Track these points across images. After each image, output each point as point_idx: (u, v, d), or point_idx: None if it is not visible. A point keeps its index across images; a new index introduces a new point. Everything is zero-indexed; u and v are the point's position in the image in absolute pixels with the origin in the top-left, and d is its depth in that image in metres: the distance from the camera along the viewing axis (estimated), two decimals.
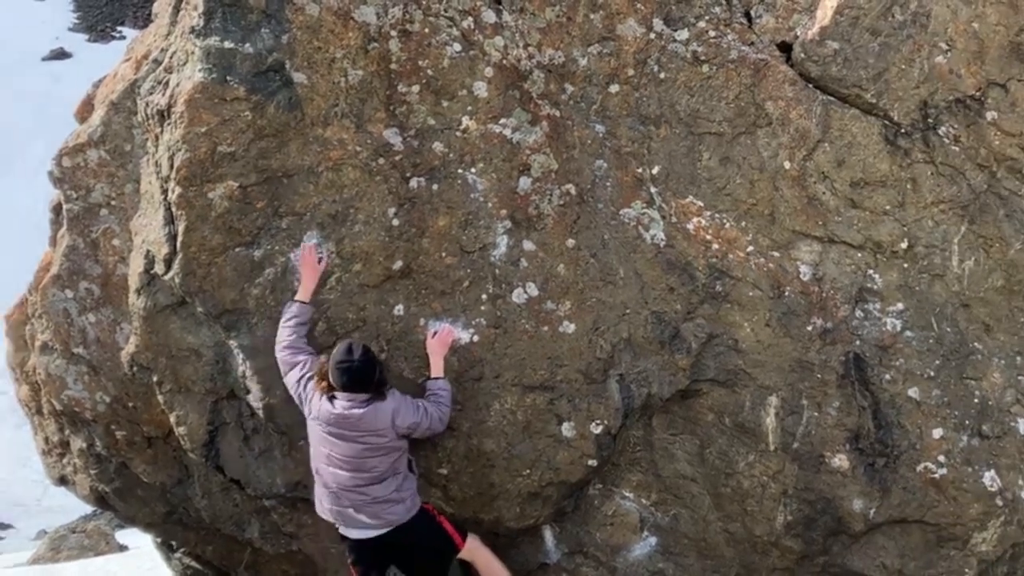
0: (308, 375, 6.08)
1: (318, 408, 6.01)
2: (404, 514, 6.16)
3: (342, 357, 5.93)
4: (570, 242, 6.35)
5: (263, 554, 7.60)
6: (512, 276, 6.32)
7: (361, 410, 5.95)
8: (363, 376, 5.93)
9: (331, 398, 5.99)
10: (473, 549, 6.38)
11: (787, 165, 6.41)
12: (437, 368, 6.21)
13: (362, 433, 5.97)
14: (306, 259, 6.21)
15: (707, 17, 6.48)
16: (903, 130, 6.52)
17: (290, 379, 6.13)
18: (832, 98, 6.44)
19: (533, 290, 6.32)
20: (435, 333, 6.25)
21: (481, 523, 6.54)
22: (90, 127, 7.22)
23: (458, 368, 6.30)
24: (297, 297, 6.20)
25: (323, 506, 6.24)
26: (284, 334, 6.13)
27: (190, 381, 6.70)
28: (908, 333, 6.47)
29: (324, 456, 6.09)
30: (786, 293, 6.40)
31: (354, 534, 6.23)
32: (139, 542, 16.24)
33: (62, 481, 8.12)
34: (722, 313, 6.42)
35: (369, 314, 6.33)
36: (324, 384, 6.00)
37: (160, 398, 6.85)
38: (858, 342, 6.43)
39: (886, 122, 6.50)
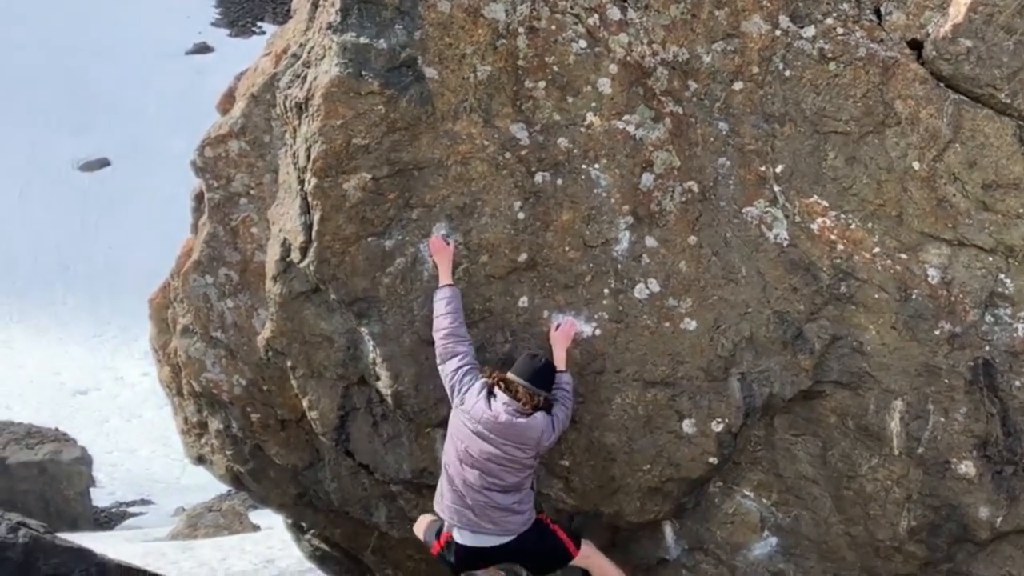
0: (467, 367, 6.10)
1: (473, 403, 6.03)
2: (521, 525, 6.19)
3: (527, 358, 6.08)
4: (692, 239, 6.34)
5: (389, 538, 7.75)
6: (634, 272, 6.34)
7: (515, 419, 5.97)
8: (543, 377, 6.04)
9: (491, 395, 6.02)
10: (587, 556, 6.39)
11: (916, 166, 6.27)
12: (560, 361, 6.24)
13: (506, 443, 5.99)
14: (437, 246, 6.30)
15: (835, 14, 6.36)
16: None
17: (447, 367, 6.14)
18: (964, 97, 6.26)
19: (655, 286, 6.33)
20: (558, 326, 6.29)
21: (601, 516, 6.58)
22: (231, 119, 7.38)
23: (580, 361, 6.33)
24: (442, 282, 6.27)
25: (442, 502, 6.25)
26: (444, 322, 6.16)
27: (322, 366, 6.84)
28: None
29: (460, 451, 6.09)
30: (913, 296, 6.27)
31: (469, 540, 6.22)
32: (271, 522, 16.65)
33: (200, 460, 8.33)
34: (847, 314, 6.32)
35: (495, 305, 6.42)
36: (496, 375, 6.07)
37: (293, 382, 7.01)
38: (987, 347, 6.26)
39: (1020, 122, 6.28)
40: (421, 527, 6.63)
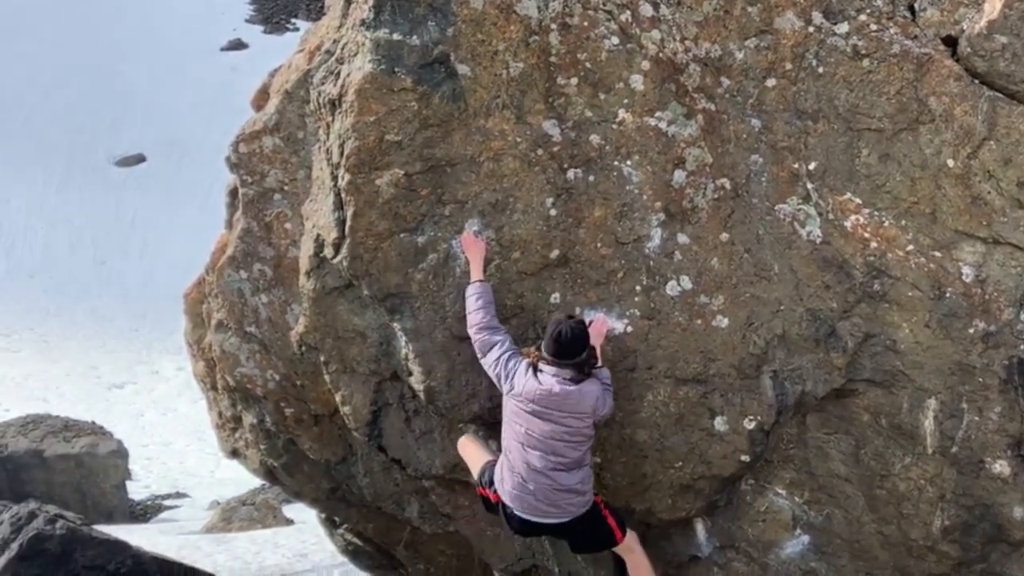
0: (508, 352, 6.10)
1: (523, 384, 6.01)
2: (582, 507, 6.18)
3: (558, 322, 5.99)
4: (724, 236, 6.32)
5: (421, 533, 7.79)
6: (666, 268, 6.33)
7: (567, 388, 5.96)
8: (573, 346, 5.94)
9: (537, 372, 6.01)
10: (630, 545, 6.38)
11: (950, 163, 6.22)
12: (594, 358, 6.22)
13: (564, 414, 5.97)
14: (469, 242, 6.32)
15: (868, 10, 6.31)
16: None
17: (488, 359, 6.14)
18: (999, 94, 6.20)
19: (687, 283, 6.32)
20: (590, 322, 6.28)
21: (633, 513, 6.56)
22: (265, 115, 7.45)
23: (612, 358, 6.32)
24: (473, 277, 6.28)
25: (504, 487, 6.21)
26: (477, 316, 6.17)
27: (355, 362, 6.88)
28: None
29: (520, 435, 6.06)
30: (947, 294, 6.22)
31: (528, 517, 6.21)
32: (305, 517, 16.77)
33: (234, 454, 8.42)
34: (880, 312, 6.29)
35: (527, 301, 6.43)
36: (535, 353, 6.05)
37: (327, 377, 7.05)
38: (1022, 346, 6.20)
39: None
40: (470, 453, 6.59)
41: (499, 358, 6.10)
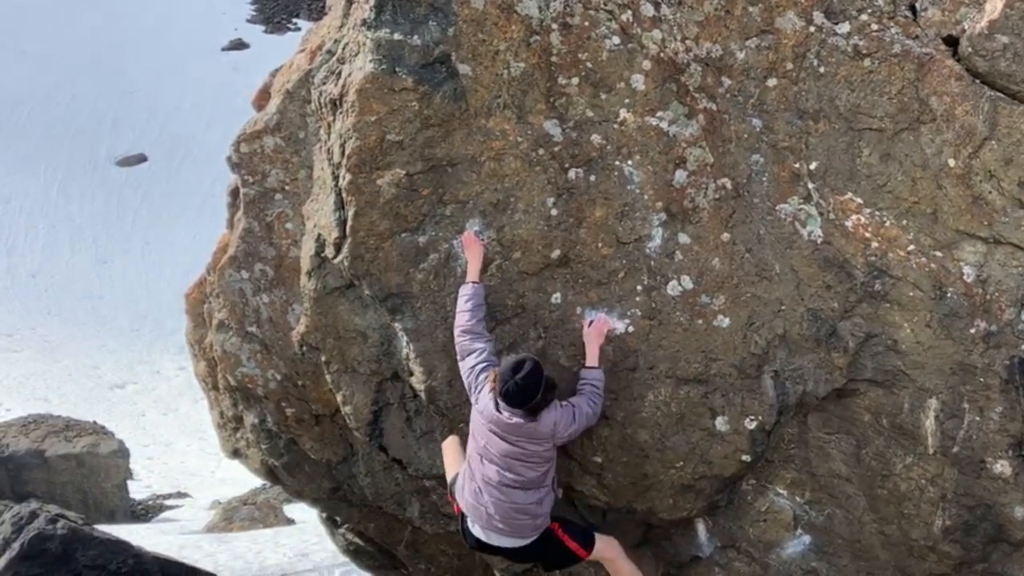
0: (482, 365, 6.09)
1: (484, 404, 6.05)
2: (532, 531, 6.19)
3: (508, 374, 5.92)
4: (725, 236, 6.31)
5: (422, 533, 7.79)
6: (667, 268, 6.33)
7: (521, 421, 5.98)
8: (524, 397, 5.91)
9: (497, 402, 6.01)
10: (607, 556, 6.38)
11: (951, 163, 6.21)
12: (593, 358, 6.24)
13: (520, 439, 6.01)
14: (469, 242, 6.32)
15: (869, 10, 6.30)
16: None
17: (465, 365, 6.16)
18: (1000, 94, 6.18)
19: (688, 283, 6.32)
20: (591, 322, 6.29)
21: (634, 513, 6.57)
22: (266, 115, 7.45)
23: (613, 358, 6.33)
24: (469, 278, 6.28)
25: (462, 495, 6.26)
26: (463, 318, 6.18)
27: (356, 362, 6.88)
28: None
29: (479, 447, 6.12)
30: (948, 294, 6.22)
31: (481, 535, 6.24)
32: (305, 516, 16.79)
33: (235, 454, 8.41)
34: (881, 312, 6.28)
35: (528, 301, 6.42)
36: (494, 386, 6.01)
37: (328, 377, 7.05)
38: (1023, 346, 6.23)
39: None
40: (448, 457, 6.60)
41: (473, 367, 6.12)
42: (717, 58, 6.38)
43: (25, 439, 21.56)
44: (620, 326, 6.35)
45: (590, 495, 6.59)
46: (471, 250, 6.31)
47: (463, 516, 6.32)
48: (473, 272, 6.28)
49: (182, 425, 28.73)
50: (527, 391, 5.91)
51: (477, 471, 6.14)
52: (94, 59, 48.36)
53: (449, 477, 6.51)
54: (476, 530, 6.25)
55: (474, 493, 6.17)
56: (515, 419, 5.98)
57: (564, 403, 6.10)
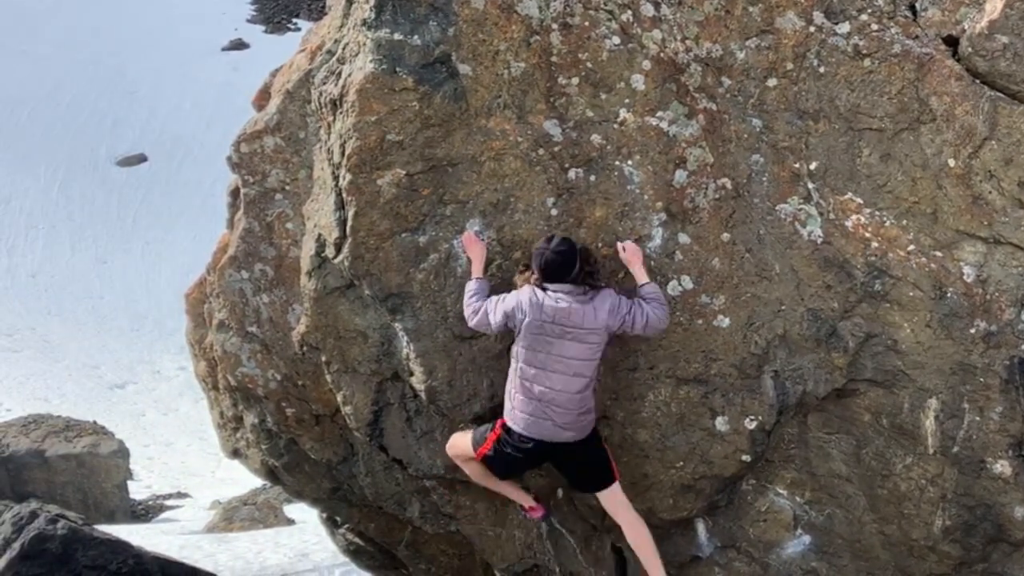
0: (498, 298, 6.13)
1: (530, 305, 6.03)
2: (588, 427, 6.18)
3: (543, 247, 6.05)
4: (725, 236, 6.32)
5: (422, 533, 7.79)
6: (667, 268, 6.33)
7: (574, 305, 6.00)
8: (566, 266, 6.00)
9: (542, 288, 6.04)
10: (617, 491, 6.34)
11: (951, 163, 6.21)
12: (641, 276, 6.21)
13: (572, 329, 6.00)
14: (470, 242, 6.33)
15: (869, 10, 6.31)
16: None
17: (494, 319, 6.11)
18: (1000, 94, 6.18)
19: (688, 283, 6.32)
20: (624, 247, 6.27)
21: None
22: (266, 115, 7.46)
23: (613, 358, 6.34)
24: (473, 276, 6.30)
25: (517, 416, 6.15)
26: (469, 311, 6.21)
27: (356, 362, 6.89)
28: None
29: (538, 360, 6.05)
30: (948, 294, 6.22)
31: (542, 438, 6.13)
32: (306, 516, 16.80)
33: (235, 454, 8.41)
34: (881, 312, 6.29)
35: None
36: (528, 273, 6.10)
37: (328, 377, 7.06)
38: (1023, 346, 6.23)
39: None
40: (458, 445, 6.55)
41: (497, 305, 6.12)
42: (717, 58, 6.38)
43: (25, 439, 21.57)
44: None
45: (590, 495, 6.59)
46: (472, 249, 6.32)
47: (507, 436, 6.21)
48: (476, 270, 6.30)
49: (182, 425, 28.73)
50: (567, 257, 6.01)
51: (536, 384, 6.07)
52: (94, 59, 48.37)
53: (470, 444, 6.41)
54: (536, 436, 6.13)
55: (535, 407, 6.09)
56: (565, 303, 6.00)
57: (622, 295, 6.11)
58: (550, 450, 6.21)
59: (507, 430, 6.20)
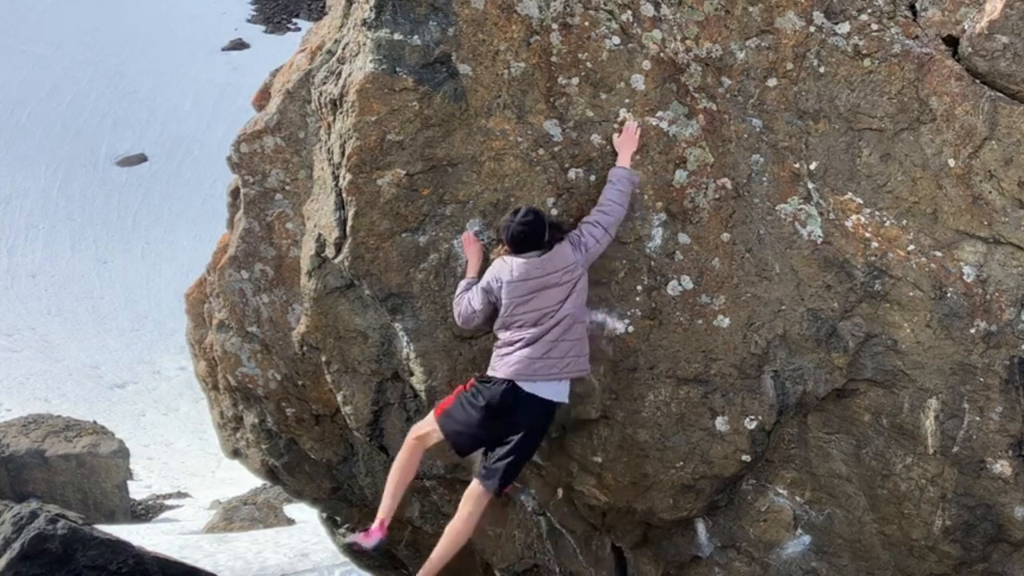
0: (476, 283, 6.17)
1: (502, 271, 6.08)
2: (562, 393, 6.15)
3: (508, 221, 6.06)
4: (725, 236, 6.32)
5: (422, 533, 7.77)
6: (667, 268, 6.33)
7: (543, 257, 6.02)
8: (534, 236, 6.02)
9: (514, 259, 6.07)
10: (486, 494, 6.27)
11: (951, 163, 6.22)
12: (623, 159, 6.24)
13: (545, 277, 6.02)
14: (469, 242, 6.33)
15: (869, 10, 6.32)
16: None
17: (476, 305, 6.14)
18: (1000, 94, 6.21)
19: (688, 283, 6.32)
20: (624, 131, 6.29)
21: (634, 513, 6.57)
22: (267, 115, 7.45)
23: (613, 358, 6.33)
24: (468, 275, 6.30)
25: (500, 364, 6.12)
26: (455, 309, 6.24)
27: (356, 362, 6.88)
28: None
29: (536, 318, 6.04)
30: (948, 294, 6.23)
31: (523, 374, 6.08)
32: (306, 516, 16.79)
33: (235, 454, 8.40)
34: (881, 312, 6.29)
35: None
36: (500, 247, 6.11)
37: (328, 377, 7.05)
38: (1023, 346, 6.23)
39: None
40: (420, 424, 6.43)
41: (478, 291, 6.14)
42: (717, 58, 6.38)
43: (25, 439, 21.57)
44: (620, 326, 6.34)
45: (590, 495, 6.59)
46: (471, 250, 6.32)
47: (484, 387, 6.15)
48: (473, 270, 6.30)
49: (182, 425, 28.74)
50: (534, 227, 6.02)
51: (540, 334, 6.06)
52: (94, 59, 48.38)
53: (431, 421, 6.30)
54: (512, 374, 6.10)
55: (542, 348, 6.06)
56: (536, 257, 6.03)
57: (574, 232, 6.14)
58: (508, 409, 6.09)
59: (483, 380, 6.17)
